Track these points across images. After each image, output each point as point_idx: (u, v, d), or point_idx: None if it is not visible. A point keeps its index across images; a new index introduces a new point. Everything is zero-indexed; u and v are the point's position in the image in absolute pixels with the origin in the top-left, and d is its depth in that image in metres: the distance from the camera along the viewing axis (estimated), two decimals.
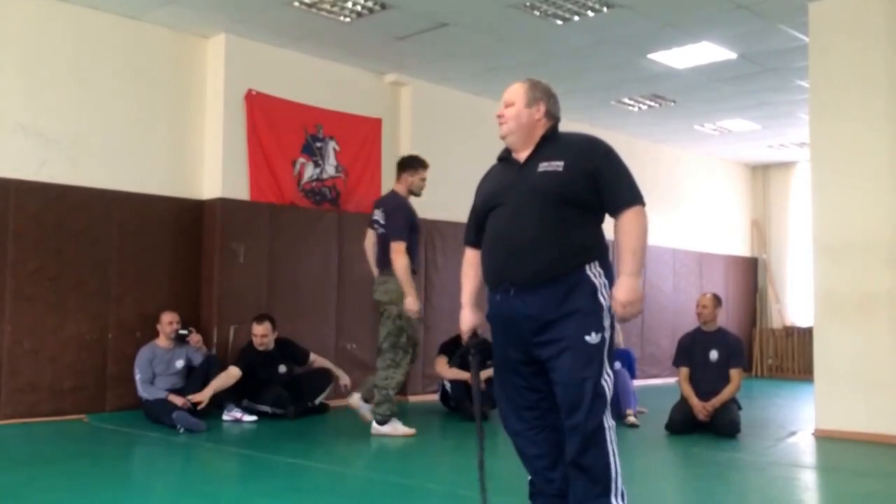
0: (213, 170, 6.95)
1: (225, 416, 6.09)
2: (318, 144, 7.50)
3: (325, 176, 7.54)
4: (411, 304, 5.27)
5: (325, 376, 6.74)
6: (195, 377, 6.14)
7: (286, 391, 6.36)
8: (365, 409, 5.57)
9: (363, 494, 3.89)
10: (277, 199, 7.16)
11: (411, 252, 5.39)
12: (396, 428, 5.52)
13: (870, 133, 5.76)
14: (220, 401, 6.11)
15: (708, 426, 5.74)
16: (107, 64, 6.49)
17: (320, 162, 7.51)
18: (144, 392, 5.98)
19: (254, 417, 6.15)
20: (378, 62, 7.68)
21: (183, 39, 6.93)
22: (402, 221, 5.40)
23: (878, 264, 5.64)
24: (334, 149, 7.60)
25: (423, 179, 5.74)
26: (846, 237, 5.83)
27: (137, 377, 6.03)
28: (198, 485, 4.08)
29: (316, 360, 6.73)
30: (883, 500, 3.79)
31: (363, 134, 7.81)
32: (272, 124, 7.15)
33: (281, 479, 4.18)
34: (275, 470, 4.40)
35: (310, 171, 7.43)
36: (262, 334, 6.40)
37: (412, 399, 7.72)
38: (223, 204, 6.85)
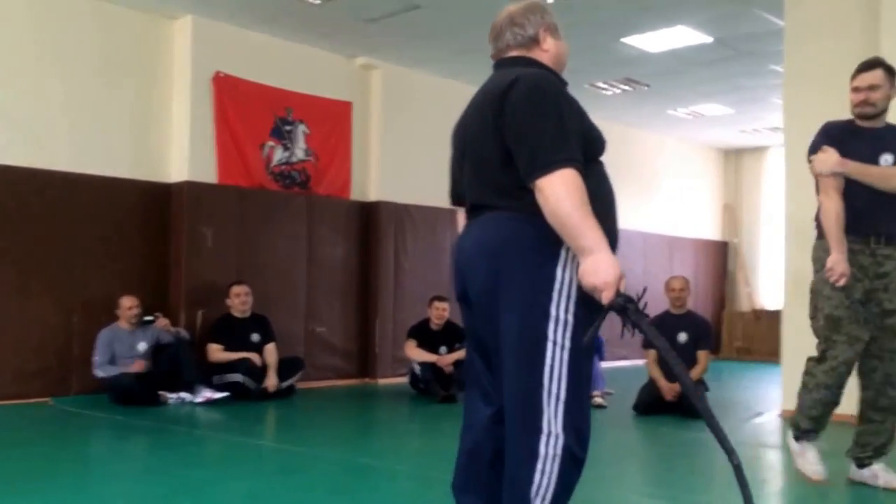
0: (180, 152, 6.86)
1: (197, 399, 6.00)
2: (288, 128, 7.43)
3: (294, 159, 7.48)
4: None
5: (296, 362, 6.73)
6: (164, 358, 6.10)
7: (258, 366, 6.35)
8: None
9: (332, 476, 3.88)
10: (246, 183, 7.09)
11: None
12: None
13: (844, 117, 5.79)
14: (189, 382, 6.05)
15: (675, 407, 5.80)
16: (71, 45, 6.36)
17: (290, 145, 7.44)
18: (101, 371, 5.95)
19: (225, 394, 6.07)
20: (348, 45, 7.61)
21: (149, 20, 6.81)
22: None
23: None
24: (304, 132, 7.54)
25: None
26: None
27: (95, 359, 5.99)
28: (166, 468, 4.04)
29: (269, 352, 6.54)
30: (844, 478, 3.86)
31: (333, 117, 7.76)
32: (240, 107, 7.07)
33: (249, 461, 4.16)
34: (243, 452, 4.38)
35: (279, 155, 7.36)
36: (246, 293, 6.52)
37: (381, 382, 7.72)
38: (190, 187, 6.76)
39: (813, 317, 3.67)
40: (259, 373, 6.35)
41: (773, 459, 4.77)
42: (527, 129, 2.00)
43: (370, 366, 7.82)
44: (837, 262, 3.44)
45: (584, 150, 2.04)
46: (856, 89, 3.64)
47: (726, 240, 12.42)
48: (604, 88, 8.99)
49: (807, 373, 3.67)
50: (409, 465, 4.11)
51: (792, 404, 5.85)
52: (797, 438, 3.71)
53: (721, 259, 12.29)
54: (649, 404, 5.87)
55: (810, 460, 3.65)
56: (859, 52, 5.65)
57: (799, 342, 5.89)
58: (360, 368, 7.83)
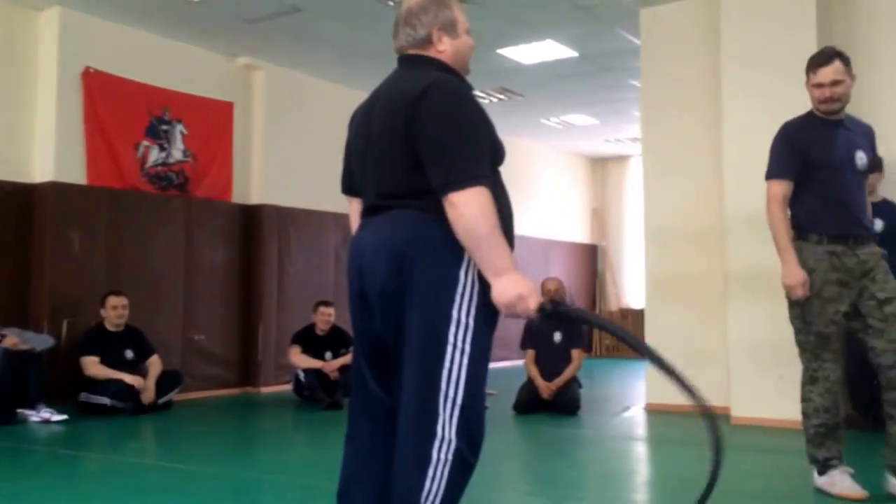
0: (46, 151, 6.51)
1: (33, 417, 5.58)
2: (164, 127, 7.20)
3: (171, 160, 7.26)
4: None
5: (175, 376, 6.53)
6: (10, 373, 5.58)
7: (126, 386, 6.02)
8: None
9: (212, 492, 3.71)
10: (118, 184, 6.82)
11: None
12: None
13: (694, 130, 6.28)
14: (32, 400, 5.64)
15: (552, 405, 6.07)
16: None
17: (166, 146, 7.22)
18: None
19: (63, 417, 5.61)
20: (229, 44, 7.47)
21: (12, 11, 6.44)
22: None
23: (702, 250, 6.14)
24: (181, 132, 7.33)
25: None
26: (673, 225, 6.32)
27: None
28: (24, 492, 3.69)
29: (153, 364, 6.35)
30: (704, 465, 4.18)
31: (213, 118, 7.58)
32: (112, 105, 6.79)
33: (122, 481, 3.95)
34: (115, 471, 4.18)
35: (155, 155, 7.13)
36: (122, 305, 6.23)
37: (264, 390, 7.62)
38: (56, 188, 6.44)
39: (799, 329, 3.45)
40: (131, 394, 6.02)
41: (640, 451, 5.10)
42: (442, 140, 1.96)
43: (252, 374, 7.68)
44: (788, 275, 3.34)
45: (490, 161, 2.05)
46: (818, 86, 3.42)
47: (595, 243, 13.05)
48: (482, 97, 9.24)
49: (804, 399, 3.45)
50: (293, 476, 4.05)
51: (656, 398, 6.31)
52: (822, 473, 3.41)
53: (591, 261, 12.90)
54: (528, 403, 6.11)
55: (846, 486, 3.32)
56: (706, 69, 6.15)
57: (660, 339, 6.31)
58: (241, 377, 7.67)
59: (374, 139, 2.11)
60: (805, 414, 3.43)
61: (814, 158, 3.41)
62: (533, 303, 1.96)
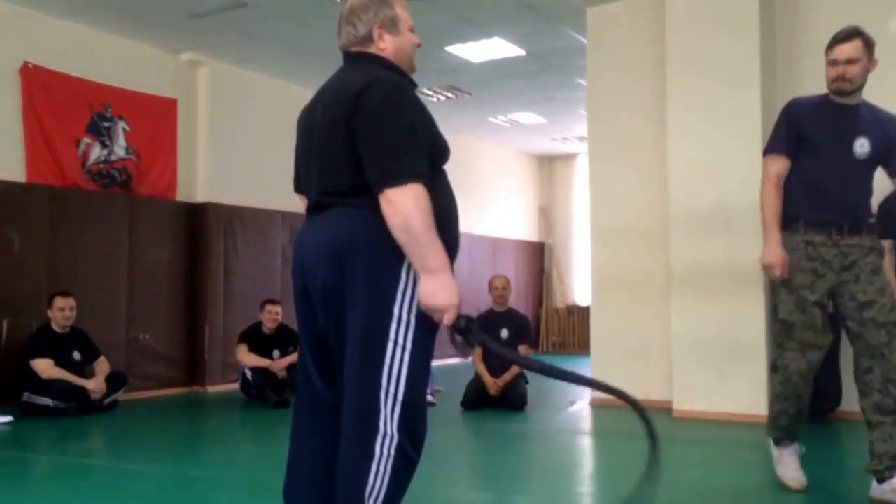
0: None
1: None
2: (106, 124, 7.06)
3: (113, 157, 7.12)
4: None
5: (120, 377, 6.42)
6: None
7: (72, 386, 5.93)
8: None
9: (157, 492, 3.68)
10: (58, 182, 6.67)
11: None
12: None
13: (640, 128, 6.37)
14: None
15: (499, 401, 6.14)
16: None
17: (108, 143, 7.07)
18: None
19: (9, 419, 5.50)
20: (172, 40, 7.35)
21: None
22: None
23: (646, 247, 6.27)
24: (124, 129, 7.19)
25: None
26: (619, 223, 6.43)
27: None
28: None
29: (100, 365, 6.28)
30: (645, 457, 4.29)
31: (156, 114, 7.46)
32: (52, 101, 6.63)
33: (65, 481, 3.89)
34: (59, 471, 4.12)
35: (96, 152, 6.98)
36: (70, 307, 6.11)
37: (211, 389, 7.54)
38: None
39: (771, 317, 3.40)
40: (76, 394, 5.93)
41: (586, 444, 5.20)
42: (380, 138, 1.97)
43: (199, 373, 7.59)
44: (767, 254, 3.21)
45: (431, 159, 2.06)
46: (832, 63, 3.21)
47: (543, 241, 13.21)
48: (430, 95, 9.28)
49: (771, 382, 3.41)
50: (240, 475, 4.03)
51: (600, 393, 6.39)
52: (775, 443, 3.45)
53: (538, 259, 13.05)
54: (475, 399, 6.17)
55: (789, 467, 3.38)
56: (651, 69, 6.27)
57: (605, 335, 6.45)
58: (188, 376, 7.58)
59: (317, 137, 2.12)
60: (771, 396, 3.41)
61: (806, 136, 3.25)
62: (451, 316, 1.98)
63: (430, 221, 1.95)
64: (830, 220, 3.19)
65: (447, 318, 1.98)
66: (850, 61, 3.15)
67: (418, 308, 2.02)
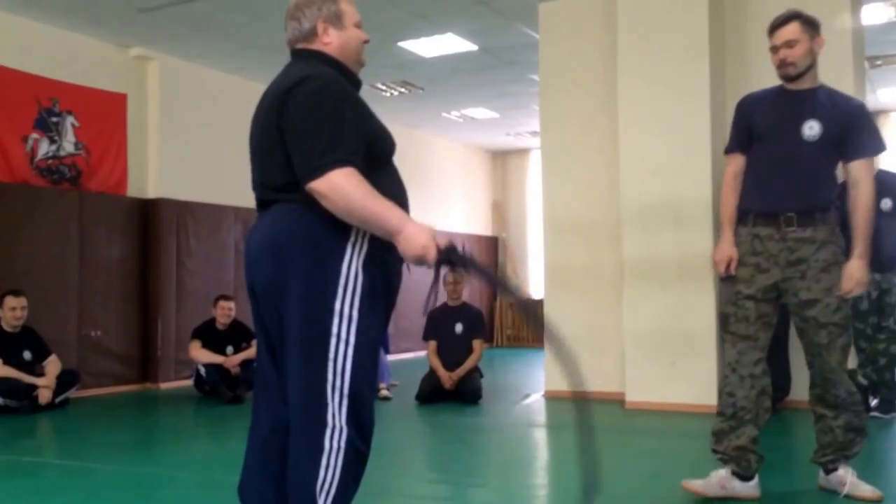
0: None
1: None
2: (54, 119, 6.92)
3: (62, 153, 6.99)
4: None
5: (72, 375, 6.34)
6: None
7: (23, 384, 5.86)
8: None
9: (109, 489, 3.65)
10: (7, 178, 6.53)
11: None
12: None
13: (591, 123, 6.46)
14: None
15: (454, 394, 6.21)
16: None
17: (57, 138, 6.94)
18: None
19: None
20: (121, 34, 7.23)
21: None
22: None
23: (598, 242, 6.37)
24: (73, 124, 7.06)
25: None
26: (571, 216, 6.52)
27: None
28: None
29: (51, 364, 6.19)
30: (601, 449, 4.40)
31: (106, 109, 7.34)
32: None
33: (15, 480, 3.84)
34: (11, 470, 4.06)
35: (45, 148, 6.85)
36: (21, 307, 6.02)
37: (164, 386, 7.46)
38: None
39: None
40: (26, 393, 5.86)
41: (539, 437, 5.30)
42: (303, 132, 1.97)
43: (152, 370, 7.50)
44: (717, 251, 3.24)
45: (372, 152, 2.05)
46: (773, 49, 3.14)
47: (496, 235, 13.32)
48: (383, 90, 9.28)
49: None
50: (194, 472, 4.01)
51: (554, 385, 6.53)
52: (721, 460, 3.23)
53: (492, 253, 13.16)
54: (430, 393, 6.23)
55: (738, 489, 3.17)
56: (602, 65, 6.38)
57: (558, 327, 6.55)
58: (140, 373, 7.49)
59: (257, 134, 2.15)
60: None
61: (754, 125, 3.19)
62: (433, 252, 1.97)
63: (367, 191, 1.95)
64: (778, 210, 3.10)
65: (430, 256, 1.96)
66: (788, 44, 3.07)
67: (361, 301, 2.03)
